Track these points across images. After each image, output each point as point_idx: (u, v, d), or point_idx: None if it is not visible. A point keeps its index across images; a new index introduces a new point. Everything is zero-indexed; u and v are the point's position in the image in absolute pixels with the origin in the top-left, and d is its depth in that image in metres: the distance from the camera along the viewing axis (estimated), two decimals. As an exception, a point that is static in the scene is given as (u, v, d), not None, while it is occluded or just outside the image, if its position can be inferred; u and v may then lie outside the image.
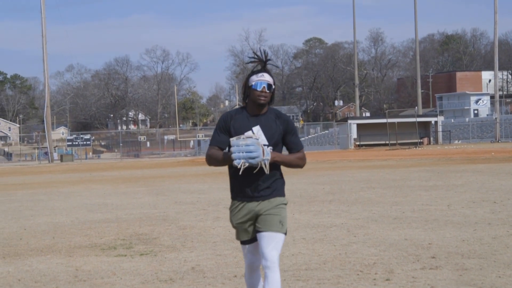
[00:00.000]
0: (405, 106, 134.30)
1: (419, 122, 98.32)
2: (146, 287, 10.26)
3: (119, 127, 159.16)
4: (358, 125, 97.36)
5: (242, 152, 7.06)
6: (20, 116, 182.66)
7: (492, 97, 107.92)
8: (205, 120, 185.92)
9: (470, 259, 11.04)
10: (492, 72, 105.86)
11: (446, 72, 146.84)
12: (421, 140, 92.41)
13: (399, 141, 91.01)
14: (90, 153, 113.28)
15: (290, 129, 7.39)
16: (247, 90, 7.39)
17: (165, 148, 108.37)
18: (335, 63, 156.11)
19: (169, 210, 20.70)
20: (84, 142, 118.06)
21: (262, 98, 7.28)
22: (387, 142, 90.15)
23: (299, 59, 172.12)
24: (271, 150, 7.30)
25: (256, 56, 7.59)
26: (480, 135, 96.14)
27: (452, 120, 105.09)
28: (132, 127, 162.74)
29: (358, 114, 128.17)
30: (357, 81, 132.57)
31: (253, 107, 7.36)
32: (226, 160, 7.18)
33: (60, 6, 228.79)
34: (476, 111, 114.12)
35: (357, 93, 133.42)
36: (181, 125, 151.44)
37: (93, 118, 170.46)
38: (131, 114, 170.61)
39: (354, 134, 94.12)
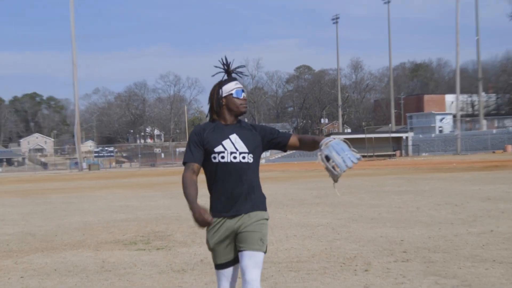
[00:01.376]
0: (380, 123, 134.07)
1: (393, 137, 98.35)
2: (162, 276, 10.25)
3: (138, 141, 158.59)
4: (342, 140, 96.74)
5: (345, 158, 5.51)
6: (54, 131, 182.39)
7: (454, 116, 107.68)
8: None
9: (435, 253, 11.05)
10: (454, 95, 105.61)
11: (415, 95, 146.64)
12: (394, 153, 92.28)
13: (375, 153, 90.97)
14: (113, 163, 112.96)
15: (270, 131, 6.07)
16: (220, 101, 5.93)
17: (177, 158, 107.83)
18: (321, 87, 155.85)
19: (181, 211, 20.63)
20: (108, 154, 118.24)
21: (244, 106, 6.01)
22: (365, 154, 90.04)
23: (291, 83, 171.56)
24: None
25: (221, 66, 6.14)
26: (444, 148, 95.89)
27: (420, 136, 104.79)
28: (149, 141, 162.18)
29: (340, 130, 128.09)
30: (340, 102, 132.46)
31: (229, 117, 5.93)
32: (191, 207, 5.57)
33: (88, 37, 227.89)
34: (440, 128, 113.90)
35: (340, 113, 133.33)
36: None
37: (116, 133, 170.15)
38: (148, 130, 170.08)
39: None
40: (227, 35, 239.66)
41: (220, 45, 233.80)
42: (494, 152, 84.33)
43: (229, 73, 5.96)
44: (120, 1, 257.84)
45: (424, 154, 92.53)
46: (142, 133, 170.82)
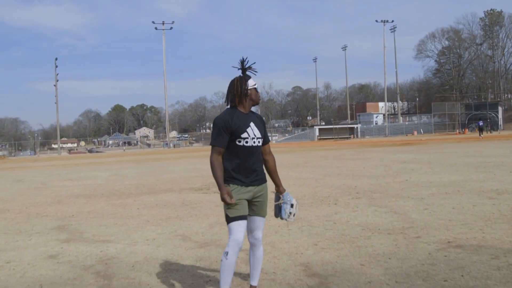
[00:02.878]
0: (341, 119, 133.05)
1: (349, 127, 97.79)
2: (218, 208, 10.17)
3: (202, 131, 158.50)
4: (319, 129, 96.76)
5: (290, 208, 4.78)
6: (154, 126, 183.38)
7: (383, 115, 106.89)
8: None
9: (375, 193, 10.98)
10: (383, 103, 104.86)
11: (362, 102, 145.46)
12: (350, 136, 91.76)
13: (339, 136, 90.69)
14: (188, 143, 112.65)
15: (264, 124, 4.91)
16: (246, 92, 4.69)
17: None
18: (307, 99, 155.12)
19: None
20: (185, 138, 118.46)
21: (260, 98, 4.91)
22: (334, 137, 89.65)
23: (289, 96, 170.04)
24: (278, 189, 4.88)
25: (240, 65, 4.85)
26: (378, 133, 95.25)
27: (365, 126, 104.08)
28: (208, 130, 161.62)
29: (318, 123, 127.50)
30: (318, 107, 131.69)
31: (248, 106, 4.74)
32: (219, 188, 4.46)
33: (176, 72, 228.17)
34: (376, 122, 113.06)
35: (318, 113, 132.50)
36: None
37: (189, 126, 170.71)
38: (207, 124, 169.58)
39: (317, 133, 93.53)
40: (260, 68, 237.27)
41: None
42: (406, 135, 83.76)
43: (245, 70, 4.72)
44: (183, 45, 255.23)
45: (367, 137, 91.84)
46: (204, 126, 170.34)
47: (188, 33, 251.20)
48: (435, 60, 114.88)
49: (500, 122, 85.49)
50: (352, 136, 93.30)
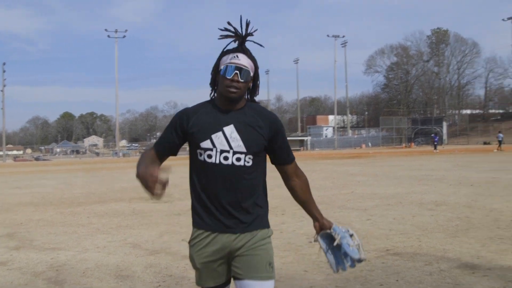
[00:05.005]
0: (292, 131, 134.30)
1: (300, 139, 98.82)
2: (167, 217, 10.36)
3: (152, 140, 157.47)
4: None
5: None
6: (104, 134, 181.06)
7: (333, 127, 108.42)
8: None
9: (322, 205, 11.18)
10: (333, 116, 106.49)
11: (312, 115, 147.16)
12: (300, 148, 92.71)
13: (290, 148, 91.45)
14: (138, 153, 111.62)
15: (278, 130, 2.85)
16: (215, 77, 2.86)
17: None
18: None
19: (177, 180, 20.73)
20: (135, 147, 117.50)
21: (232, 90, 2.70)
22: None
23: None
24: (320, 221, 3.03)
25: (230, 30, 2.84)
26: (327, 146, 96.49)
27: (315, 139, 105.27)
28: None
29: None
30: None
31: (223, 100, 2.78)
32: (137, 168, 2.70)
33: (128, 80, 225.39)
34: (326, 135, 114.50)
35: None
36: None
37: (139, 135, 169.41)
38: (158, 133, 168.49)
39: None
40: (208, 77, 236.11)
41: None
42: (355, 148, 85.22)
43: (245, 38, 2.79)
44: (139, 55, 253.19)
45: (316, 149, 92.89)
46: (155, 136, 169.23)
47: (142, 41, 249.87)
48: (384, 75, 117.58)
49: (445, 137, 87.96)
50: (302, 148, 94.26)
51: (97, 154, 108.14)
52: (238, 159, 2.69)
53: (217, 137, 2.69)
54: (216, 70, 2.80)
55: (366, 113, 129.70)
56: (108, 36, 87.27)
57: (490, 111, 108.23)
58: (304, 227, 8.60)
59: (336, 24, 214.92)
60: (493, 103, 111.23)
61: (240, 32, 2.80)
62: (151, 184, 2.54)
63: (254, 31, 2.81)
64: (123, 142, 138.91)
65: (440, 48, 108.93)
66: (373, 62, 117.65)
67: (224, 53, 2.78)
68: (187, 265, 6.20)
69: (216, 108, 2.77)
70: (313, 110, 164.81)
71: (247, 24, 2.80)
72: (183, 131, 2.77)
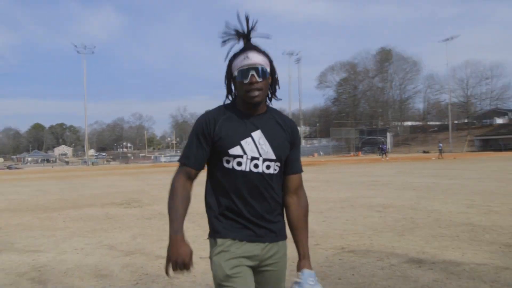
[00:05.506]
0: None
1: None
2: (139, 220, 10.31)
3: (119, 150, 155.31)
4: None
5: None
6: (73, 144, 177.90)
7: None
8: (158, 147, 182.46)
9: None
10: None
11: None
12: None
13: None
14: (105, 162, 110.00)
15: (297, 141, 2.53)
16: (231, 83, 2.45)
17: (141, 159, 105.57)
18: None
19: (145, 187, 20.60)
20: (103, 156, 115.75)
21: (255, 94, 2.30)
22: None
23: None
24: (303, 263, 2.42)
25: (229, 32, 2.42)
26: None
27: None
28: (124, 149, 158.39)
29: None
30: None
31: (246, 105, 2.37)
32: (171, 235, 2.27)
33: (96, 93, 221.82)
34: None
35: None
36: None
37: (107, 145, 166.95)
38: (124, 143, 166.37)
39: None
40: (172, 90, 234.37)
41: (165, 96, 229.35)
42: (308, 157, 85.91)
43: (246, 37, 2.41)
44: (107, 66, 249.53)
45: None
46: (121, 145, 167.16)
47: (109, 56, 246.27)
48: (334, 90, 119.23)
49: (389, 146, 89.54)
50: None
51: (67, 163, 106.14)
52: (268, 167, 2.36)
53: (247, 143, 2.32)
54: (229, 77, 2.43)
55: (318, 124, 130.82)
56: (78, 52, 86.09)
57: (429, 123, 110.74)
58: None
59: (291, 42, 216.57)
60: (431, 116, 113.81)
61: (242, 30, 2.41)
62: (179, 270, 2.26)
63: (255, 23, 2.41)
64: (92, 151, 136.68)
65: (385, 66, 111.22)
66: (325, 78, 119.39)
67: (233, 57, 2.39)
68: (161, 264, 6.23)
69: (239, 112, 2.39)
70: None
71: (247, 19, 2.40)
72: (210, 136, 2.34)
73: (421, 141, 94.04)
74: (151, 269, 6.06)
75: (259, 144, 2.35)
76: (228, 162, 2.34)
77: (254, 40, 2.43)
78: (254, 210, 2.34)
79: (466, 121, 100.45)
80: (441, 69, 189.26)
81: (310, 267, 2.41)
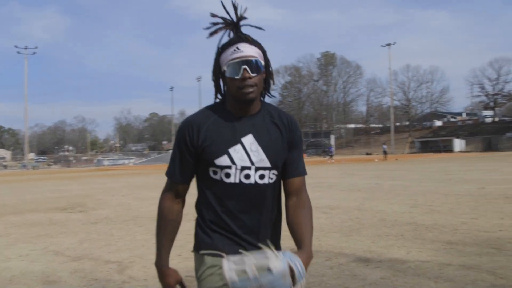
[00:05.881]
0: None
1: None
2: (84, 225, 10.14)
3: (60, 153, 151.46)
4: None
5: None
6: (12, 147, 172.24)
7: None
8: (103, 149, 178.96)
9: None
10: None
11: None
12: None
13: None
14: (46, 165, 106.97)
15: (298, 137, 2.15)
16: (219, 79, 2.12)
17: (82, 162, 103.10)
18: (163, 124, 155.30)
19: (90, 191, 20.21)
20: (43, 160, 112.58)
21: (248, 90, 1.96)
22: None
23: (147, 122, 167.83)
24: (296, 253, 1.88)
25: (217, 21, 2.10)
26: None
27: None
28: (66, 153, 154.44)
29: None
30: (173, 133, 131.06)
31: (237, 105, 2.04)
32: (157, 262, 2.17)
33: (37, 95, 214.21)
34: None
35: (173, 138, 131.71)
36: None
37: (47, 148, 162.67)
38: (66, 147, 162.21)
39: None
40: (116, 93, 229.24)
41: (107, 96, 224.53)
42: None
43: (235, 26, 2.10)
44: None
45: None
46: (63, 148, 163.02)
47: (51, 57, 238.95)
48: (279, 93, 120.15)
49: (333, 148, 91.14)
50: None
51: (5, 167, 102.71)
52: (262, 177, 2.04)
53: (236, 151, 2.01)
54: (217, 72, 2.11)
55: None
56: (18, 52, 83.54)
57: (371, 125, 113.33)
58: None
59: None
60: (374, 119, 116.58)
61: (230, 18, 2.10)
62: None
63: (245, 10, 2.10)
64: (32, 155, 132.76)
65: (328, 69, 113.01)
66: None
67: (221, 49, 2.07)
68: (110, 269, 6.19)
69: (228, 114, 2.07)
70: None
71: (235, 7, 2.09)
72: (194, 147, 2.05)
73: (364, 143, 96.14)
74: (100, 274, 6.00)
75: (251, 150, 2.03)
76: (215, 173, 2.04)
77: (245, 31, 2.11)
78: (245, 226, 2.04)
79: (407, 123, 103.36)
80: (383, 73, 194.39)
81: (305, 260, 1.89)
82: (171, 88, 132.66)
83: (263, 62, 2.05)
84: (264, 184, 2.06)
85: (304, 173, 2.20)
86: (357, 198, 13.28)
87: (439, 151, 77.36)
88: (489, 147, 76.68)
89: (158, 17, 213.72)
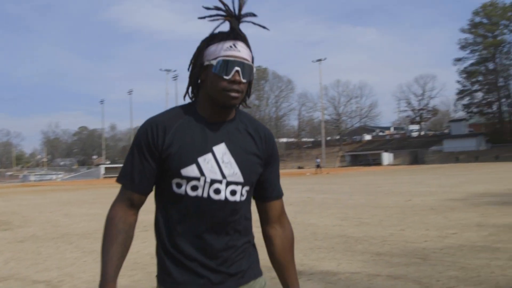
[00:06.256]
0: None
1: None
2: (11, 244, 9.76)
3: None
4: (105, 168, 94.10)
5: None
6: None
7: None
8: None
9: None
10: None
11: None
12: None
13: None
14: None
15: (275, 153, 1.93)
16: (197, 73, 1.77)
17: (7, 178, 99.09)
18: (93, 138, 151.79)
19: (14, 208, 19.44)
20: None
21: (233, 95, 1.70)
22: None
23: (76, 135, 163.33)
24: None
25: (221, 6, 1.76)
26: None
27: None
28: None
29: (104, 162, 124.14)
30: (103, 147, 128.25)
31: (211, 108, 1.76)
32: (101, 284, 1.67)
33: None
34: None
35: (104, 153, 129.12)
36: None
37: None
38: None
39: (102, 171, 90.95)
40: (43, 106, 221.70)
41: (38, 108, 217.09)
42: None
43: (236, 19, 1.78)
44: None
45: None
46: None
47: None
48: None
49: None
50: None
51: None
52: (233, 192, 1.78)
53: (206, 161, 1.73)
54: (198, 63, 1.79)
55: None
56: None
57: (303, 139, 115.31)
58: (148, 247, 8.65)
59: (168, 59, 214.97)
60: (305, 133, 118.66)
61: (233, 9, 1.79)
62: None
63: (245, 2, 1.80)
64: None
65: (261, 83, 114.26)
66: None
67: (210, 39, 1.78)
68: (39, 288, 6.01)
69: (199, 119, 1.79)
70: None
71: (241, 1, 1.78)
72: (157, 150, 1.74)
73: (296, 157, 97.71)
74: (28, 294, 5.82)
75: (223, 162, 1.75)
76: (179, 186, 1.74)
77: (243, 28, 1.82)
78: (210, 249, 1.75)
79: (337, 137, 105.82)
80: (314, 88, 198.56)
81: None
82: (102, 101, 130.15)
83: (254, 70, 1.81)
84: (235, 202, 1.79)
85: (282, 194, 2.01)
86: (289, 212, 13.30)
87: (369, 165, 79.69)
88: (416, 160, 79.74)
89: (89, 29, 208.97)
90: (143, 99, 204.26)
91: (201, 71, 1.77)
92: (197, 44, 1.82)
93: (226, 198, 1.76)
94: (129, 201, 1.79)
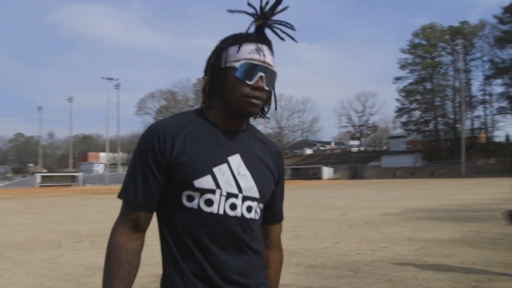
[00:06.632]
0: (64, 167, 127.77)
1: (71, 175, 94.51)
2: None
3: None
4: (42, 176, 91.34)
5: None
6: None
7: (104, 164, 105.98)
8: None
9: (96, 237, 11.00)
10: (105, 153, 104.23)
11: (84, 152, 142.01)
12: (71, 184, 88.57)
13: (61, 184, 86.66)
14: None
15: (283, 174, 1.76)
16: (216, 75, 1.55)
17: None
18: (30, 146, 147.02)
19: None
20: None
21: (255, 102, 1.51)
22: (55, 184, 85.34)
23: (12, 143, 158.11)
24: None
25: (254, 5, 1.54)
26: (98, 182, 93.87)
27: (86, 174, 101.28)
28: None
29: (40, 171, 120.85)
30: (40, 155, 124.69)
31: (226, 115, 1.56)
32: None
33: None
34: (97, 171, 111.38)
35: (41, 161, 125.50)
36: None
37: None
38: None
39: (38, 180, 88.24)
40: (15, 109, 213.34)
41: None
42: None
43: (264, 20, 1.56)
44: None
45: (88, 185, 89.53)
46: None
47: None
48: (153, 117, 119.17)
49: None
50: (73, 183, 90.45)
51: None
52: (249, 209, 1.60)
53: (222, 172, 1.55)
54: (216, 65, 1.60)
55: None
56: None
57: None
58: (82, 258, 8.52)
59: (111, 67, 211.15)
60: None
61: (261, 8, 1.59)
62: None
63: (284, 9, 1.59)
64: None
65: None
66: (144, 105, 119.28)
67: (232, 39, 1.59)
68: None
69: (212, 125, 1.60)
70: (85, 147, 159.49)
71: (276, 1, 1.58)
72: (165, 160, 1.53)
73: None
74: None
75: (238, 174, 1.58)
76: (191, 199, 1.54)
77: (269, 32, 1.63)
78: (227, 270, 1.55)
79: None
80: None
81: None
82: (40, 108, 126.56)
83: (275, 80, 1.63)
84: (251, 219, 1.61)
85: (281, 216, 1.88)
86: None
87: (309, 178, 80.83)
88: (355, 175, 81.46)
89: (27, 33, 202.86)
90: (83, 107, 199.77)
91: (223, 75, 1.57)
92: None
93: (242, 214, 1.57)
94: (133, 222, 1.57)
